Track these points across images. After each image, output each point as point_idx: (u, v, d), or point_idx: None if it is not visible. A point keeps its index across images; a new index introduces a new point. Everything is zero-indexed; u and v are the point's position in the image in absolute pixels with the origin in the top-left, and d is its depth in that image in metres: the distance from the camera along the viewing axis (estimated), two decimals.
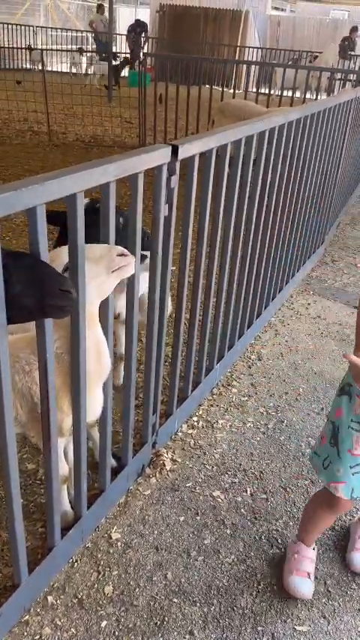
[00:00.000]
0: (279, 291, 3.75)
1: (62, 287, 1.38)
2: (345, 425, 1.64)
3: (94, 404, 1.83)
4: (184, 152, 1.86)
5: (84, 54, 15.40)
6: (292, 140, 2.97)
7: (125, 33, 17.11)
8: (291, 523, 2.15)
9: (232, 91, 7.65)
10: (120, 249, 1.63)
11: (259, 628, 1.77)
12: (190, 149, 1.90)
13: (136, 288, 1.87)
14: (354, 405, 1.63)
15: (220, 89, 7.48)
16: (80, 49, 15.80)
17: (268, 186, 2.86)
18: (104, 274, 1.60)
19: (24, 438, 2.00)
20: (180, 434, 2.58)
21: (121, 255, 1.62)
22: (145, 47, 16.50)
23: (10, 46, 15.33)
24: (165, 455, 2.41)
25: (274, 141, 2.72)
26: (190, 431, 2.61)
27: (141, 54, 10.37)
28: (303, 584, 1.84)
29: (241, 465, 2.44)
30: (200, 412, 2.74)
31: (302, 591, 1.83)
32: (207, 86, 7.48)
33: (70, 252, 1.50)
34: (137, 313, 1.94)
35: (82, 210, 1.47)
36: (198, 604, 1.83)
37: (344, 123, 4.02)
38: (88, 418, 1.82)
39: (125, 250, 1.64)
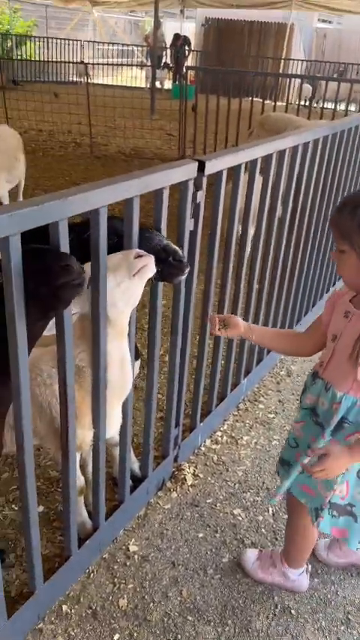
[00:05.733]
0: (312, 306, 3.70)
1: (62, 263, 1.32)
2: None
3: (114, 420, 1.83)
4: (211, 167, 1.86)
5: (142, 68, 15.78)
6: (326, 156, 2.93)
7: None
8: None
9: (272, 103, 7.64)
10: (137, 251, 1.61)
11: None
12: (217, 164, 1.91)
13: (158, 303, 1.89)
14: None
15: (261, 101, 7.49)
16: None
17: (300, 204, 2.83)
18: (127, 279, 1.58)
19: None
20: (203, 448, 2.56)
21: (139, 257, 1.59)
22: (189, 60, 16.68)
23: (60, 60, 15.82)
24: (187, 469, 2.40)
25: (308, 156, 2.70)
26: (213, 446, 2.59)
27: (183, 67, 10.50)
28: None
29: (264, 483, 2.40)
30: (225, 427, 2.72)
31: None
32: (249, 99, 7.49)
33: (92, 264, 1.52)
34: (159, 322, 1.94)
35: (104, 223, 1.49)
36: (212, 623, 1.80)
37: None
38: (107, 434, 1.82)
39: (142, 251, 1.61)
